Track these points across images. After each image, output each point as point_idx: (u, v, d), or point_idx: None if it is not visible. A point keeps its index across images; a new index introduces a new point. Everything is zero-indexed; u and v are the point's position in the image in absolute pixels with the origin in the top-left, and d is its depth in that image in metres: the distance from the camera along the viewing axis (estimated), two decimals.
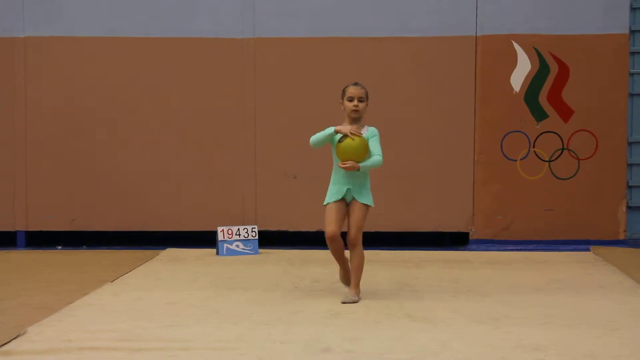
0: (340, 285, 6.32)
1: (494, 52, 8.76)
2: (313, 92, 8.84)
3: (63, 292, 6.30)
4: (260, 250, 8.32)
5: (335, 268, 6.36)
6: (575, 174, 8.83)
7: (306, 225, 8.91)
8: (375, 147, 5.98)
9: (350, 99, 6.07)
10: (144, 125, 8.92)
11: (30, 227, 9.00)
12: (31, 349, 4.69)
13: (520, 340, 4.89)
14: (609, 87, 8.75)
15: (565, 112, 8.79)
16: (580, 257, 8.07)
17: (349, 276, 6.03)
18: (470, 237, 8.88)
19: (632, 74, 9.22)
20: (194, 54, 8.87)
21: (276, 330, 5.11)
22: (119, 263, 7.63)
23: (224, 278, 6.95)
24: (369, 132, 6.04)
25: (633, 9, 9.21)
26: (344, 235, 5.97)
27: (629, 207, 9.17)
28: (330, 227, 5.90)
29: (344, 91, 6.13)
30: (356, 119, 6.08)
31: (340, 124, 6.09)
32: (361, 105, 6.06)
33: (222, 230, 8.21)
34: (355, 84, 6.14)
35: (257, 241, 8.32)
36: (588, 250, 8.45)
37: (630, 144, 9.24)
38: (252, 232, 8.31)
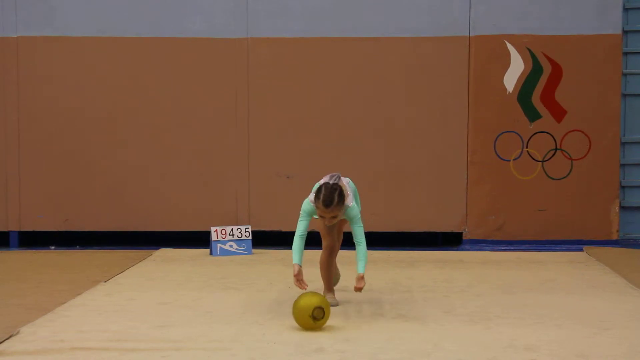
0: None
1: (487, 52, 8.77)
2: (306, 92, 8.85)
3: (56, 292, 6.29)
4: (254, 251, 8.32)
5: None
6: (569, 174, 8.85)
7: None
8: (358, 231, 5.54)
9: (321, 216, 5.50)
10: (136, 125, 8.91)
11: (23, 228, 8.99)
12: (24, 350, 4.68)
13: (512, 340, 4.90)
14: (602, 87, 8.77)
15: (559, 113, 8.81)
16: (573, 257, 8.09)
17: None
18: (464, 237, 8.89)
19: (625, 74, 9.24)
20: (186, 54, 8.87)
21: (269, 331, 5.11)
22: (111, 263, 7.62)
23: (217, 278, 6.95)
24: (348, 213, 5.55)
25: (626, 10, 9.22)
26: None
27: (622, 207, 9.19)
28: (328, 238, 5.82)
29: (315, 203, 5.46)
30: None
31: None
32: (334, 220, 5.50)
33: (216, 230, 8.21)
34: (329, 203, 5.37)
35: (250, 241, 8.32)
36: (581, 250, 8.46)
37: (623, 144, 9.25)
38: (245, 232, 8.31)
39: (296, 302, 5.14)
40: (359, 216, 5.61)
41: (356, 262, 5.52)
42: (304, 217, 5.64)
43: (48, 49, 8.88)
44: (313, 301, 5.08)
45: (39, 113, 8.91)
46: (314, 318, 5.05)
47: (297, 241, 5.55)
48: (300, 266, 5.48)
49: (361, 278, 5.45)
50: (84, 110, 8.91)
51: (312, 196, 5.56)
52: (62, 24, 8.87)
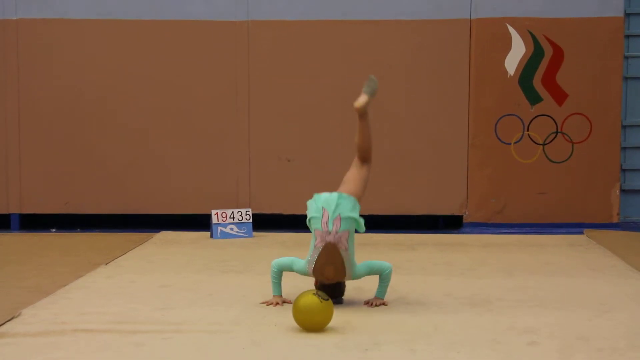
0: None
1: (489, 35, 8.75)
2: (307, 75, 8.83)
3: (57, 274, 6.30)
4: (254, 233, 8.33)
5: None
6: (569, 157, 8.84)
7: (300, 209, 8.85)
8: (374, 266, 5.34)
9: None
10: (137, 108, 8.90)
11: (24, 210, 8.99)
12: (25, 331, 4.70)
13: (512, 322, 4.91)
14: (604, 70, 8.75)
15: (560, 96, 8.79)
16: (574, 240, 8.10)
17: None
18: (464, 221, 8.90)
19: (626, 57, 9.22)
20: (187, 36, 8.85)
21: (270, 313, 5.13)
22: (112, 246, 7.63)
23: (218, 261, 6.96)
24: (357, 275, 5.30)
25: None
26: None
27: (622, 191, 9.19)
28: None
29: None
30: None
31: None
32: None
33: (216, 213, 8.22)
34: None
35: (251, 224, 8.33)
36: (581, 233, 8.47)
37: (624, 127, 9.25)
38: (246, 215, 8.32)
39: (295, 303, 4.81)
40: (362, 266, 5.31)
41: (378, 283, 5.31)
42: (286, 267, 5.33)
43: (48, 32, 8.86)
44: (310, 293, 4.79)
45: (39, 96, 8.90)
46: (320, 297, 4.72)
47: (277, 273, 5.34)
48: (282, 296, 5.32)
49: (378, 299, 5.28)
50: (85, 93, 8.89)
51: (310, 267, 5.20)
52: (62, 7, 8.84)
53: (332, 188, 9.02)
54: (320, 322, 4.75)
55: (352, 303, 5.40)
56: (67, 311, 5.15)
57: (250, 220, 8.33)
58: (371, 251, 7.27)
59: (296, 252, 7.32)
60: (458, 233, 8.72)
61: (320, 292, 4.81)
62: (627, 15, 9.19)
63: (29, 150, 8.93)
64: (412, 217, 9.07)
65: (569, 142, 8.84)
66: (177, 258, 7.09)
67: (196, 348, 4.41)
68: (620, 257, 7.08)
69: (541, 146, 8.85)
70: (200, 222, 8.73)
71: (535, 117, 8.81)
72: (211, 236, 8.21)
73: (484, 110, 8.81)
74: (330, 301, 4.80)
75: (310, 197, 5.54)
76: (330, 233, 5.18)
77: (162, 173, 8.94)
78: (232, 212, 8.28)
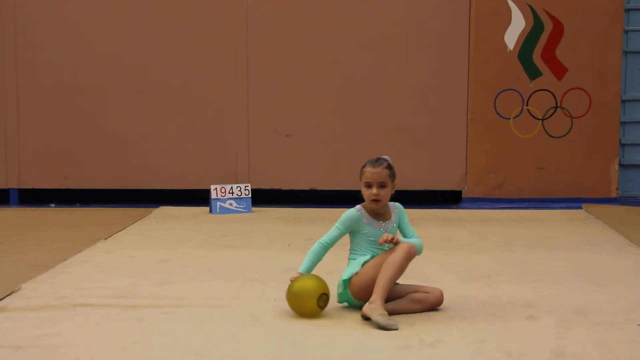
0: None
1: (488, 9, 8.71)
2: (306, 50, 8.80)
3: (56, 249, 6.31)
4: (254, 209, 8.34)
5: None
6: (569, 132, 8.84)
7: (299, 184, 8.93)
8: (408, 228, 4.87)
9: (369, 185, 4.66)
10: (136, 83, 8.87)
11: (23, 185, 8.99)
12: (25, 306, 4.71)
13: (511, 297, 4.92)
14: (603, 44, 8.72)
15: (559, 70, 8.77)
16: (573, 214, 8.11)
17: None
18: (463, 196, 8.91)
19: (626, 31, 9.19)
20: (186, 10, 8.80)
21: (269, 288, 5.14)
22: (112, 221, 7.63)
23: (217, 236, 6.96)
24: (398, 213, 4.91)
25: None
26: None
27: (621, 165, 9.20)
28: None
29: (362, 171, 4.68)
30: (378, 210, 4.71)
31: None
32: (382, 192, 4.71)
33: (215, 188, 8.22)
34: (376, 161, 4.70)
35: (250, 199, 8.33)
36: (580, 208, 8.48)
37: (623, 102, 9.24)
38: (245, 190, 8.32)
39: (297, 285, 4.53)
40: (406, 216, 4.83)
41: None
42: (338, 226, 4.61)
43: (46, 3, 8.80)
44: (321, 286, 4.51)
45: (37, 69, 8.87)
46: (319, 307, 4.49)
47: (315, 247, 4.61)
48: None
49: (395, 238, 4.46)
50: (84, 67, 8.86)
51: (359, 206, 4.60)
52: None
53: (331, 163, 9.04)
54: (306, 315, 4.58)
55: None
56: (66, 286, 5.16)
57: (249, 195, 8.34)
58: None
59: (296, 227, 7.34)
60: (457, 208, 8.73)
61: (322, 301, 4.51)
62: None
63: (27, 125, 8.91)
64: (411, 192, 9.07)
65: (568, 116, 8.82)
66: (176, 233, 7.10)
67: (196, 323, 4.42)
68: (619, 231, 7.09)
69: (540, 121, 8.84)
70: (199, 198, 8.74)
71: (535, 91, 8.79)
72: (210, 211, 8.22)
73: (483, 84, 8.79)
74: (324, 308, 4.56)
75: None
76: None
77: (161, 148, 8.93)
78: (231, 188, 8.28)
